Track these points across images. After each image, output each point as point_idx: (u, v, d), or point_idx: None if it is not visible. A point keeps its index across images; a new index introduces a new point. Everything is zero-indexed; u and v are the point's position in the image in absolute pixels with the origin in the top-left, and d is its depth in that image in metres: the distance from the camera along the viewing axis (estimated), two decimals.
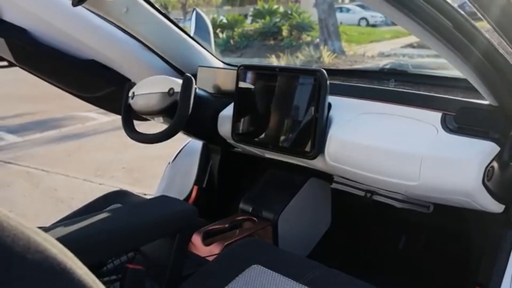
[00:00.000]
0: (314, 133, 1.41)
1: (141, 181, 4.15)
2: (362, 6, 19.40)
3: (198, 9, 2.21)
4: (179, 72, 1.96)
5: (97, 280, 0.69)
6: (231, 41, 16.15)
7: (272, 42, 15.91)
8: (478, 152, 1.16)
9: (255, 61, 13.16)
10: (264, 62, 12.65)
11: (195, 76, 1.95)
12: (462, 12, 1.01)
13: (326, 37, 13.41)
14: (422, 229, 1.86)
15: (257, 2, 18.50)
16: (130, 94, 1.70)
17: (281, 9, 17.15)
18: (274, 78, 1.56)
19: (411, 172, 1.23)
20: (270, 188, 1.86)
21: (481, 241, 1.36)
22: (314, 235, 1.88)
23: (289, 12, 16.39)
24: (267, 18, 16.47)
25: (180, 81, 1.61)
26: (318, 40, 14.21)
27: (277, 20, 16.48)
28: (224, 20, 17.54)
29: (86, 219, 1.22)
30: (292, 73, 1.51)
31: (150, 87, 1.65)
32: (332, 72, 2.09)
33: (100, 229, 1.20)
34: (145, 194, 3.01)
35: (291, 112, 1.49)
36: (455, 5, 1.00)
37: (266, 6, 17.42)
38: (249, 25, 17.72)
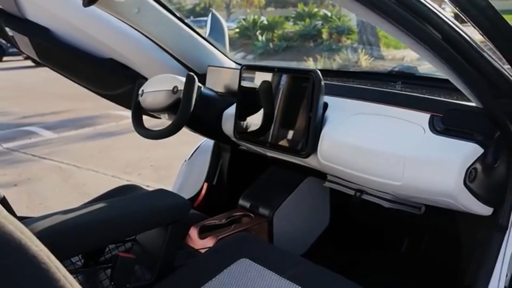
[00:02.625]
0: (308, 132, 1.44)
1: (167, 178, 4.23)
2: None
3: (214, 11, 2.26)
4: (191, 72, 2.01)
5: (52, 257, 0.74)
6: (271, 44, 16.14)
7: (311, 44, 15.83)
8: (460, 153, 1.16)
9: (293, 64, 13.14)
10: (302, 65, 12.62)
11: (205, 75, 2.01)
12: (444, 17, 1.02)
13: (364, 41, 13.30)
14: (421, 231, 1.86)
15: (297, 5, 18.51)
16: (140, 91, 1.76)
17: (322, 12, 17.06)
18: (273, 78, 1.60)
19: (395, 172, 1.25)
20: (269, 186, 1.90)
21: (471, 244, 1.36)
22: (311, 233, 1.91)
23: (329, 15, 16.31)
24: (307, 20, 16.43)
25: (184, 79, 1.66)
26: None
27: (318, 23, 16.41)
28: (265, 22, 17.56)
29: (81, 209, 1.29)
30: (288, 73, 1.55)
31: (157, 85, 1.71)
32: (342, 74, 2.11)
33: (91, 219, 1.27)
34: None
35: (288, 111, 1.53)
36: (439, 12, 1.01)
37: (306, 9, 17.39)
38: (290, 27, 17.69)
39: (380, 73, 2.04)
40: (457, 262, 1.50)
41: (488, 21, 1.01)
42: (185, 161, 2.38)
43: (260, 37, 16.16)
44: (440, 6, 1.03)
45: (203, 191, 2.13)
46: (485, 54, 1.06)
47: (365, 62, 11.72)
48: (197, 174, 2.24)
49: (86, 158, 5.01)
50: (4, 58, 17.07)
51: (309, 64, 11.72)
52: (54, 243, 1.17)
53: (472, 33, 1.07)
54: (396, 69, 1.94)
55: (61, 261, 1.30)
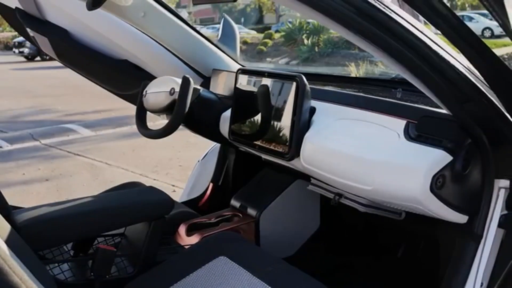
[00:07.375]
0: (291, 136, 1.47)
1: None
2: (485, 15, 17.81)
3: (226, 16, 2.31)
4: (199, 74, 2.07)
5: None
6: (316, 48, 16.04)
7: (356, 50, 15.68)
8: (427, 160, 1.17)
9: (337, 70, 13.01)
10: (344, 71, 12.51)
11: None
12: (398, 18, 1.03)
13: None
14: (413, 237, 1.85)
15: None
16: (144, 92, 1.83)
17: None
18: (266, 82, 1.63)
19: (366, 177, 1.27)
20: (260, 187, 1.94)
21: (448, 252, 1.36)
22: (300, 235, 1.92)
23: None
24: None
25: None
26: None
27: None
28: (311, 26, 17.48)
29: (68, 202, 1.36)
30: (276, 78, 1.58)
31: (158, 86, 1.77)
32: (346, 80, 2.13)
33: (75, 211, 1.34)
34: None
35: (275, 115, 1.56)
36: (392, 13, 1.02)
37: None
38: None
39: (382, 79, 2.04)
40: (435, 270, 1.50)
41: (451, 28, 1.01)
42: (198, 161, 2.44)
43: (306, 41, 16.08)
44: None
45: (208, 191, 2.19)
46: (445, 57, 1.06)
47: None
48: (206, 175, 2.30)
49: (118, 156, 5.15)
50: None
51: (351, 69, 11.59)
52: (38, 232, 1.25)
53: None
54: (399, 76, 1.93)
55: (48, 250, 1.37)
